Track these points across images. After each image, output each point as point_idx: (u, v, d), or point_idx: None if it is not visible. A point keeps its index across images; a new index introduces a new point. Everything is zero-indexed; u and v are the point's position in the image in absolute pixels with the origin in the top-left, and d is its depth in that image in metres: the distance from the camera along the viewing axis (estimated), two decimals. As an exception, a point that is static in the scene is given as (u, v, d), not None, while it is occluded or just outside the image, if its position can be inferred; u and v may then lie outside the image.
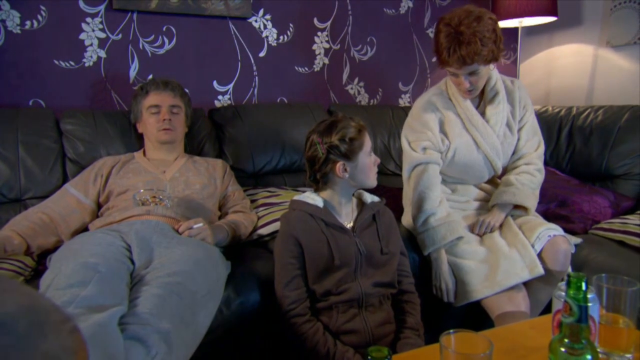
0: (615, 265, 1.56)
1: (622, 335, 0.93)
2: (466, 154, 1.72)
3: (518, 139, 1.77)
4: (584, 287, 0.71)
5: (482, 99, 1.77)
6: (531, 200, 1.69)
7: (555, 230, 1.57)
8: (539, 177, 1.75)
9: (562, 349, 0.73)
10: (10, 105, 1.96)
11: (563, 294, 0.89)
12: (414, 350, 1.10)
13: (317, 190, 1.44)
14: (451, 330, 0.75)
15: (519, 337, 1.06)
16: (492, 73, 1.72)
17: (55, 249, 1.51)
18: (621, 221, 1.77)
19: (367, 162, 1.38)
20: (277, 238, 1.40)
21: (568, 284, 0.72)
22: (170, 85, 1.77)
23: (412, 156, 1.72)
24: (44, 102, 2.04)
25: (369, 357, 0.56)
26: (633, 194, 2.05)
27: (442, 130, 1.74)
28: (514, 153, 1.78)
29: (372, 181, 1.42)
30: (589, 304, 0.72)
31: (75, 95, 2.09)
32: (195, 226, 1.42)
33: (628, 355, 0.94)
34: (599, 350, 0.88)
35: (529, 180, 1.72)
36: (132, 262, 1.23)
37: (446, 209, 1.68)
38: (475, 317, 1.67)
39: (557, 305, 0.91)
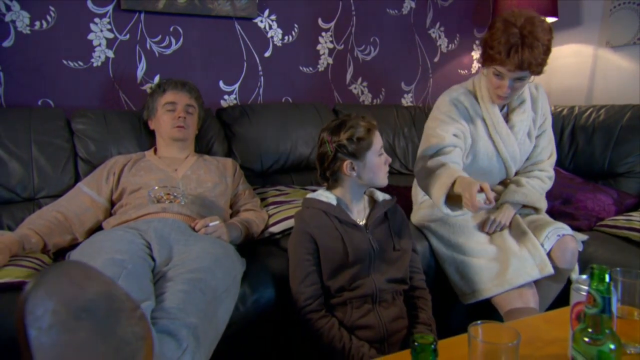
0: (622, 261, 1.59)
1: (637, 327, 0.96)
2: (485, 160, 1.71)
3: (535, 146, 1.77)
4: (607, 279, 0.74)
5: (507, 105, 1.75)
6: (542, 203, 1.71)
7: (564, 229, 1.59)
8: (549, 184, 1.77)
9: (586, 339, 0.76)
10: (20, 104, 1.97)
11: (582, 287, 0.92)
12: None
13: (329, 188, 1.46)
14: (478, 322, 0.77)
15: (535, 330, 1.09)
16: None
17: (70, 247, 1.53)
18: (626, 218, 1.81)
19: (376, 161, 1.39)
20: (292, 235, 1.42)
21: (591, 276, 0.75)
22: (187, 86, 1.80)
23: (442, 137, 1.59)
24: (53, 102, 2.05)
25: (415, 344, 0.58)
26: (636, 192, 2.09)
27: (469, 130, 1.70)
28: (528, 159, 1.79)
29: (382, 180, 1.43)
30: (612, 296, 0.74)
31: (84, 95, 2.10)
32: (211, 224, 1.44)
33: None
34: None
35: (538, 185, 1.74)
36: (153, 259, 1.25)
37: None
38: (483, 313, 1.70)
39: (575, 298, 0.93)
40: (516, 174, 1.82)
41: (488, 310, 1.62)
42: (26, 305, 0.42)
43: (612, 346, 0.74)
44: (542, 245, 1.56)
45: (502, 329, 0.78)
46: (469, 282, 1.61)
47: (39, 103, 2.03)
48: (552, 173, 1.79)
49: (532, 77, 1.61)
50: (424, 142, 1.68)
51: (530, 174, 1.77)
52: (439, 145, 1.59)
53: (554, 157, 1.81)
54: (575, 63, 2.85)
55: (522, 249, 1.57)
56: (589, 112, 2.33)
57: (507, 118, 1.73)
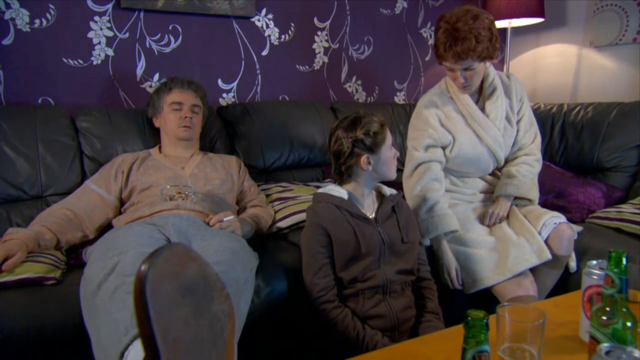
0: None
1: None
2: (470, 148, 1.80)
3: (517, 131, 1.87)
4: (624, 262, 0.80)
5: (480, 94, 1.86)
6: (534, 192, 1.79)
7: (559, 218, 1.67)
8: (537, 167, 1.86)
9: (604, 318, 0.82)
10: (20, 103, 1.96)
11: (594, 271, 0.98)
12: (445, 330, 1.18)
13: (340, 183, 1.51)
14: (505, 303, 0.83)
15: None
16: (489, 70, 1.82)
17: (81, 244, 1.54)
18: (616, 210, 1.90)
19: (389, 155, 1.46)
20: (305, 229, 1.45)
21: (609, 259, 0.81)
22: (193, 85, 1.82)
23: (415, 156, 1.79)
24: (53, 100, 2.04)
25: (469, 319, 0.63)
26: (623, 185, 2.19)
27: (444, 126, 1.81)
28: (513, 144, 1.87)
29: (393, 173, 1.50)
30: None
31: (84, 93, 2.10)
32: (225, 219, 1.47)
33: (646, 327, 1.03)
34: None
35: (528, 171, 1.82)
36: (174, 253, 1.27)
37: (448, 202, 1.77)
38: (483, 303, 1.77)
39: (587, 282, 1.00)
40: (506, 161, 1.89)
41: (488, 301, 1.69)
42: (146, 282, 0.46)
43: (629, 324, 0.80)
44: (540, 233, 1.64)
45: (527, 310, 0.83)
46: (470, 272, 1.67)
47: (39, 101, 2.02)
48: (539, 155, 1.87)
49: (488, 63, 1.76)
50: (406, 158, 1.85)
51: (517, 161, 1.85)
52: (414, 164, 1.79)
53: (539, 139, 1.90)
54: (560, 62, 2.94)
55: (520, 237, 1.65)
56: (577, 109, 2.42)
57: (482, 107, 1.83)
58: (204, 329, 0.48)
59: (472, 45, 1.61)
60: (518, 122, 1.87)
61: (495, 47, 1.68)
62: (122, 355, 0.83)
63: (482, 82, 1.82)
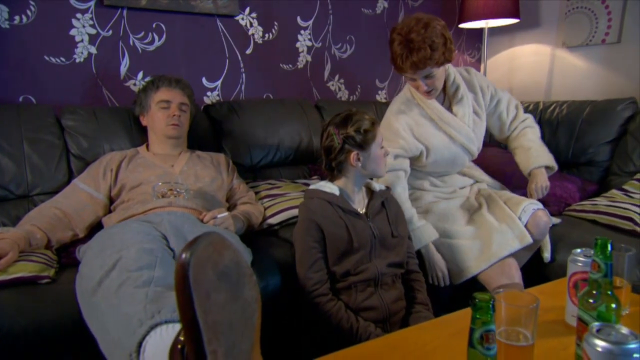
0: (591, 240, 1.74)
1: (621, 294, 1.10)
2: (445, 151, 1.83)
3: (500, 112, 1.94)
4: (609, 249, 0.85)
5: (445, 95, 1.88)
6: (550, 158, 1.89)
7: (537, 204, 1.76)
8: (537, 126, 1.97)
9: (590, 301, 0.87)
10: (0, 101, 1.93)
11: (579, 258, 1.05)
12: (438, 319, 1.23)
13: (331, 179, 1.54)
14: (500, 289, 0.88)
15: (531, 301, 1.20)
16: (449, 70, 1.84)
17: (72, 243, 1.53)
18: (591, 203, 2.00)
19: (379, 152, 1.50)
20: (298, 225, 1.48)
21: (595, 246, 0.87)
22: (181, 84, 1.82)
23: (386, 162, 1.78)
24: (35, 99, 2.01)
25: (476, 301, 0.67)
26: (596, 179, 2.30)
27: (415, 135, 1.81)
28: (504, 124, 1.96)
29: (382, 171, 1.54)
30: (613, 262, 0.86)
31: (67, 92, 2.07)
32: (219, 215, 1.48)
33: (626, 310, 1.11)
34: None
35: (534, 134, 1.92)
36: (171, 250, 1.28)
37: (430, 200, 1.84)
38: (468, 293, 1.82)
39: (572, 268, 1.06)
40: (509, 138, 1.98)
41: (472, 292, 1.74)
42: (189, 268, 0.48)
43: (613, 305, 0.86)
44: (520, 218, 1.71)
45: (521, 295, 0.88)
46: (457, 262, 1.72)
47: (20, 99, 1.99)
48: (530, 115, 1.98)
49: (446, 65, 1.75)
50: None
51: (519, 132, 1.95)
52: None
53: (521, 107, 1.99)
54: (535, 62, 3.05)
55: (502, 224, 1.71)
56: (552, 107, 2.52)
57: (449, 107, 1.87)
58: (238, 313, 0.51)
59: (427, 54, 1.61)
60: (496, 105, 1.94)
61: (450, 50, 1.69)
62: (139, 346, 0.84)
63: (445, 82, 1.84)
